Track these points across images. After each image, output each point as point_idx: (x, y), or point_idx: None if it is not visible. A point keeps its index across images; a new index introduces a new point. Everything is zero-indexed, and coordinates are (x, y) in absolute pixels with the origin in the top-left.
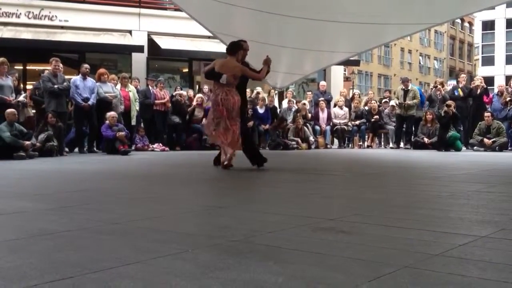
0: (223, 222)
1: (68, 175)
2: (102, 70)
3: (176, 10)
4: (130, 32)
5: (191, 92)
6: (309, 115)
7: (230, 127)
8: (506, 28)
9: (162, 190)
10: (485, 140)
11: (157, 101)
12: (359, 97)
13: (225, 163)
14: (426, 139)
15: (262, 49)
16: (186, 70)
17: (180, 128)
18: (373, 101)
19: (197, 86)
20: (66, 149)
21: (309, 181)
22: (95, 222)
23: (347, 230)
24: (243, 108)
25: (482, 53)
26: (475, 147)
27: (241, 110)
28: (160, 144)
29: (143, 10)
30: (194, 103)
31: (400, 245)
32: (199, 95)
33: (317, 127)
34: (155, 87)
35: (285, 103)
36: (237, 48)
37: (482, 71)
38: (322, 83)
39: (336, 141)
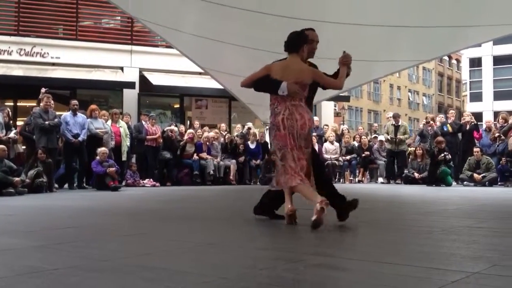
0: (215, 259)
1: (57, 212)
2: (93, 106)
3: (167, 47)
4: (121, 68)
5: (182, 128)
6: None
7: (298, 160)
8: (493, 65)
9: (152, 226)
10: (475, 175)
11: (148, 137)
12: (348, 132)
13: (290, 212)
14: (416, 174)
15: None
16: (177, 105)
17: (171, 164)
18: (363, 137)
19: (188, 122)
20: (56, 185)
21: (300, 216)
22: (84, 259)
23: (339, 266)
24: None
25: (470, 89)
26: (465, 182)
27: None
28: (151, 179)
29: (134, 47)
30: (185, 138)
31: (391, 282)
32: (190, 130)
33: None
34: (147, 122)
35: None
36: (300, 41)
37: (471, 107)
38: (315, 118)
39: None
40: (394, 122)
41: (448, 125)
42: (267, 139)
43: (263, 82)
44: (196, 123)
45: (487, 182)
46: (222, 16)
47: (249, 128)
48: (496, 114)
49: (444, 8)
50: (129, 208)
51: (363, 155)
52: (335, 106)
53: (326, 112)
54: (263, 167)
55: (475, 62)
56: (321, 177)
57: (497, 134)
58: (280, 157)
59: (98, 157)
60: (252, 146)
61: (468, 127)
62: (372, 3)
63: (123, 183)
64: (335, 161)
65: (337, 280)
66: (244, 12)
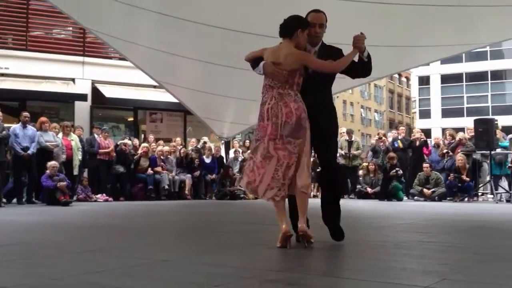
0: (169, 275)
1: (5, 227)
2: (43, 119)
3: (121, 59)
4: (73, 80)
5: (136, 141)
6: None
7: (275, 152)
8: (441, 83)
9: (105, 242)
10: (425, 190)
11: (101, 150)
12: None
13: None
14: (369, 189)
15: (208, 100)
16: (131, 119)
17: (125, 178)
18: None
19: (143, 135)
20: (4, 200)
21: (256, 231)
22: (34, 277)
23: (294, 282)
24: (329, 129)
25: (419, 107)
26: (415, 197)
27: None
28: (104, 194)
29: (87, 59)
30: (140, 152)
31: None
32: (145, 144)
33: None
34: (100, 136)
35: (231, 153)
36: (294, 25)
37: (420, 124)
38: None
39: None
40: (347, 138)
41: (399, 141)
42: (223, 153)
43: (254, 62)
44: (151, 137)
45: (436, 197)
46: (177, 29)
47: (204, 142)
48: (443, 131)
49: (394, 28)
50: (80, 224)
51: (317, 170)
52: None
53: None
54: (219, 181)
55: (424, 80)
56: (331, 184)
57: (445, 151)
58: (252, 150)
59: (48, 171)
60: (208, 160)
61: (418, 143)
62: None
63: (74, 198)
64: None
65: None
66: (198, 26)
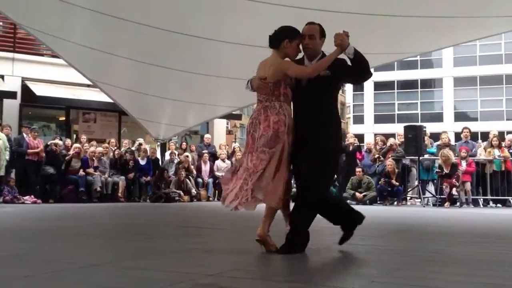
0: (99, 281)
1: None
2: None
3: (53, 56)
4: (2, 77)
5: (68, 142)
6: (192, 167)
7: (251, 164)
8: (374, 90)
9: (32, 246)
10: (357, 194)
11: (29, 150)
12: (239, 150)
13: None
14: None
15: (143, 100)
16: (63, 118)
17: (54, 179)
18: None
19: (75, 136)
20: None
21: (190, 235)
22: None
23: (228, 285)
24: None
25: (353, 112)
26: (348, 201)
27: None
28: (32, 196)
29: (17, 55)
30: (71, 152)
31: None
32: (77, 144)
33: (200, 180)
34: (29, 135)
35: (167, 155)
36: (281, 36)
37: (354, 129)
38: (207, 135)
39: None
40: None
41: None
42: (159, 155)
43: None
44: (83, 137)
45: (367, 201)
46: (112, 27)
47: (140, 144)
48: (375, 137)
49: (331, 36)
50: (6, 227)
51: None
52: (227, 124)
53: (218, 129)
54: (154, 184)
55: (358, 87)
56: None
57: (376, 156)
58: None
59: None
60: (143, 162)
61: (351, 148)
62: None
63: (0, 200)
64: None
65: None
66: (134, 25)
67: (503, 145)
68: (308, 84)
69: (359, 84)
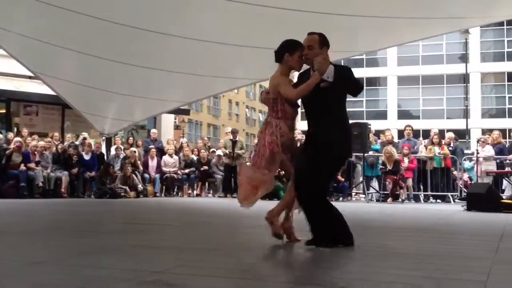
0: (42, 278)
1: None
2: None
3: None
4: None
5: (11, 135)
6: (138, 162)
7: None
8: None
9: None
10: None
11: None
12: (187, 145)
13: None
14: None
15: (88, 94)
16: (3, 111)
17: None
18: (202, 150)
19: (16, 129)
20: None
21: (136, 231)
22: None
23: (173, 282)
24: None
25: (301, 109)
26: None
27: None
28: None
29: None
30: (12, 146)
31: None
32: (18, 138)
33: (146, 175)
34: None
35: (113, 150)
36: (282, 50)
37: (302, 125)
38: (153, 130)
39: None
40: (232, 137)
41: None
42: (104, 150)
43: None
44: (25, 131)
45: None
46: (56, 17)
47: (84, 138)
48: None
49: (280, 32)
50: None
51: (202, 169)
52: (175, 119)
53: (166, 124)
54: (98, 179)
55: None
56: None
57: None
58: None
59: None
60: (87, 157)
61: (299, 144)
62: (216, 22)
63: None
64: (174, 175)
65: None
66: (80, 16)
67: (443, 142)
68: (315, 93)
69: (356, 96)
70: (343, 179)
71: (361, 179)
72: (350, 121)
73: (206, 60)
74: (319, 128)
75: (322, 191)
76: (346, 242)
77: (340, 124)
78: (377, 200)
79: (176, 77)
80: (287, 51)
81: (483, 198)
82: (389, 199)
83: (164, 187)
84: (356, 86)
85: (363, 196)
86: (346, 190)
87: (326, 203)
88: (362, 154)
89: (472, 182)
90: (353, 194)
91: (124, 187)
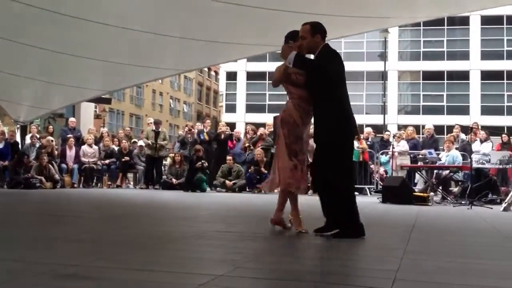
0: None
1: None
2: None
3: None
4: None
5: None
6: (56, 152)
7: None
8: (247, 80)
9: None
10: (227, 182)
11: None
12: (107, 135)
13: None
14: (174, 180)
15: (2, 79)
16: None
17: None
18: (123, 141)
19: None
20: None
21: (52, 223)
22: None
23: (90, 276)
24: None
25: (226, 101)
26: (218, 188)
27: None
28: None
29: None
30: None
31: None
32: None
33: (64, 165)
34: None
35: (28, 138)
36: (285, 40)
37: (226, 117)
38: (72, 119)
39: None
40: (154, 128)
41: (205, 133)
42: (18, 138)
43: None
44: None
45: (237, 189)
46: None
47: None
48: (246, 126)
49: (206, 24)
50: None
51: (123, 159)
52: (95, 108)
53: (86, 113)
54: (12, 169)
55: (231, 76)
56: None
57: (247, 144)
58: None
59: None
60: (0, 145)
61: (223, 136)
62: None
63: None
64: (94, 165)
65: None
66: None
67: (361, 137)
68: (308, 83)
69: (328, 82)
70: (266, 171)
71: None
72: (274, 114)
73: (128, 49)
74: (315, 117)
75: (331, 180)
76: (352, 235)
77: (330, 111)
78: None
79: (97, 65)
80: (286, 43)
81: (397, 191)
82: (310, 191)
83: (82, 177)
84: (318, 74)
85: None
86: None
87: (338, 192)
88: None
89: (388, 175)
90: None
91: (39, 177)
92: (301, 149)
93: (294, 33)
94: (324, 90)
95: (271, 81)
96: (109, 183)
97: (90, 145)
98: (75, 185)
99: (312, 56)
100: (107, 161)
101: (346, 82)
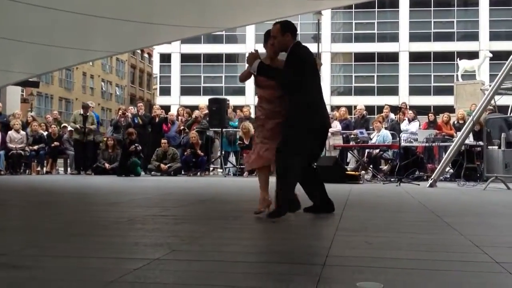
0: None
1: None
2: None
3: None
4: None
5: None
6: None
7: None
8: (181, 62)
9: None
10: (162, 165)
11: None
12: (34, 120)
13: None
14: (107, 165)
15: None
16: None
17: None
18: (53, 126)
19: None
20: None
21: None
22: None
23: (21, 265)
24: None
25: (160, 83)
26: (153, 172)
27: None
28: None
29: None
30: None
31: (79, 276)
32: None
33: None
34: None
35: None
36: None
37: (160, 100)
38: None
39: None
40: (82, 112)
41: (139, 117)
42: None
43: None
44: None
45: (172, 172)
46: None
47: None
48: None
49: (137, 4)
50: None
51: (52, 145)
52: (22, 92)
53: (12, 97)
54: None
55: (165, 58)
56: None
57: (182, 127)
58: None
59: None
60: None
61: (157, 119)
62: None
63: None
64: (21, 151)
65: (22, 280)
66: None
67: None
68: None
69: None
70: (202, 154)
71: (219, 153)
72: (209, 97)
73: (55, 30)
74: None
75: (293, 165)
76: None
77: (296, 102)
78: (234, 174)
79: (20, 46)
80: (265, 42)
81: (330, 170)
82: (245, 173)
83: (10, 164)
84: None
85: (221, 170)
86: (204, 165)
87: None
88: (220, 129)
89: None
90: (211, 169)
91: None
92: (269, 137)
93: (266, 33)
94: (294, 84)
95: (206, 63)
96: (38, 169)
97: (17, 131)
98: (2, 172)
99: (285, 54)
100: (35, 147)
101: None
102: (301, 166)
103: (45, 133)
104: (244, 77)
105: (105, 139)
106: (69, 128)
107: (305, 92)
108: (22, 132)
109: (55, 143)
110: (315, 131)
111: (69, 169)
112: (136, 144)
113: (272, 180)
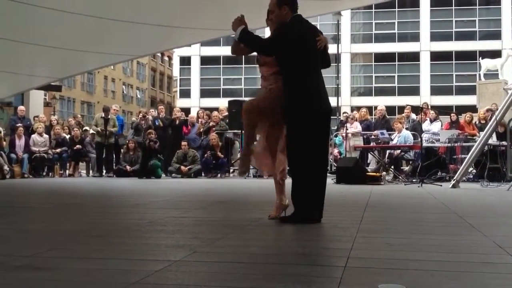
0: None
1: None
2: None
3: None
4: None
5: None
6: (4, 142)
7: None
8: (200, 65)
9: None
10: (182, 167)
11: None
12: (57, 123)
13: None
14: (128, 167)
15: None
16: None
17: None
18: (75, 129)
19: None
20: None
21: (2, 215)
22: None
23: (44, 266)
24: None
25: (180, 86)
26: (173, 174)
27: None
28: None
29: None
30: None
31: (99, 277)
32: None
33: (13, 155)
34: None
35: None
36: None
37: (180, 103)
38: (21, 107)
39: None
40: (103, 115)
41: (160, 120)
42: None
43: None
44: None
45: (192, 174)
46: None
47: None
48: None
49: (158, 8)
50: None
51: (75, 148)
52: (45, 96)
53: (35, 101)
54: None
55: (185, 61)
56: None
57: (202, 129)
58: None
59: None
60: None
61: (178, 122)
62: None
63: None
64: (44, 154)
65: (44, 282)
66: None
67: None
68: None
69: (265, 55)
70: (222, 156)
71: (239, 155)
72: (229, 99)
73: (76, 34)
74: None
75: (299, 161)
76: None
77: (288, 86)
78: (254, 176)
79: (45, 51)
80: (268, 17)
81: (350, 172)
82: (265, 175)
83: (33, 167)
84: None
85: None
86: (224, 167)
87: (301, 174)
88: (240, 131)
89: (342, 156)
90: (231, 171)
91: None
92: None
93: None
94: (289, 68)
95: (226, 65)
96: (61, 172)
97: (40, 134)
98: (26, 175)
99: None
100: (58, 150)
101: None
102: (310, 163)
103: (67, 136)
104: (234, 49)
105: (126, 141)
106: (91, 131)
107: (298, 72)
108: (45, 136)
109: (78, 146)
110: (314, 121)
111: (91, 171)
112: (154, 140)
113: (288, 181)
